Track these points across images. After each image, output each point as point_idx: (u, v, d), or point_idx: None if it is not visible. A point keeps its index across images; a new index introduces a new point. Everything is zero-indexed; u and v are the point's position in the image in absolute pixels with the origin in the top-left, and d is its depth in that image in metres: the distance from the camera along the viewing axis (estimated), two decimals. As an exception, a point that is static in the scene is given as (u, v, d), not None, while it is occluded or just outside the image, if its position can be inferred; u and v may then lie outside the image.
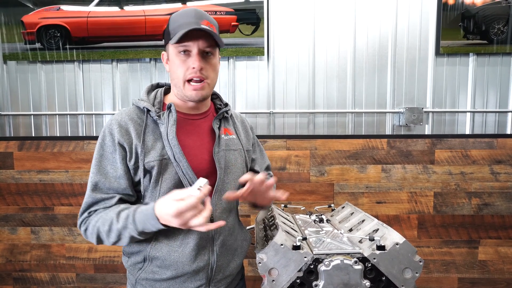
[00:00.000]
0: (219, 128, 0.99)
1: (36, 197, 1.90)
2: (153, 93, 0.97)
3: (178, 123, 0.92)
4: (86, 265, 1.92)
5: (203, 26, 0.85)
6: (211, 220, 0.93)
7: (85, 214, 0.88)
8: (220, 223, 0.79)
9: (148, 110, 0.90)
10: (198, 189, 0.74)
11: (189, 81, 0.89)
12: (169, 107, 0.91)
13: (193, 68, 0.87)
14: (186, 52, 0.88)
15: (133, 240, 0.85)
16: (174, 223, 0.75)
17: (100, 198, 0.88)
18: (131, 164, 0.88)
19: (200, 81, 0.89)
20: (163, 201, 0.78)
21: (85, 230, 0.88)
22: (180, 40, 0.84)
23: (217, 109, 1.05)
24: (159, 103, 0.94)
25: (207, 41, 0.87)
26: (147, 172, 0.88)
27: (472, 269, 1.87)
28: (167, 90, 1.02)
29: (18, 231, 1.93)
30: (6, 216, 1.92)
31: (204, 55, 0.89)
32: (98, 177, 0.88)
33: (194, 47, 0.87)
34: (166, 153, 0.88)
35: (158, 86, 1.03)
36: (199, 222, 0.74)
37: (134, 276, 0.94)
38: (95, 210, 0.88)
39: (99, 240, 0.87)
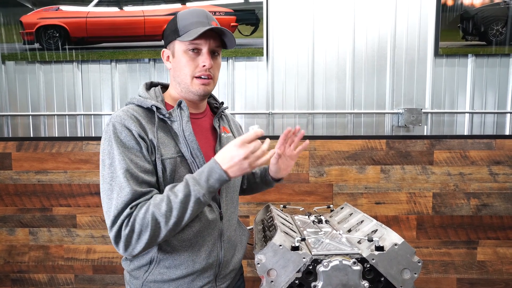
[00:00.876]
0: (218, 127, 1.00)
1: (35, 198, 1.89)
2: (152, 92, 0.96)
3: None
4: (84, 266, 1.92)
5: (219, 27, 0.87)
6: (220, 216, 0.94)
7: (127, 211, 0.75)
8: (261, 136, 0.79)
9: (158, 108, 0.89)
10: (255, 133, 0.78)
11: (197, 77, 0.90)
12: (179, 104, 0.90)
13: (204, 66, 0.88)
14: (196, 50, 0.89)
15: (197, 208, 0.78)
16: (244, 165, 0.77)
17: (140, 193, 0.77)
18: (152, 159, 0.84)
19: (208, 78, 0.91)
20: (225, 150, 0.79)
21: (130, 232, 0.75)
22: (194, 38, 0.85)
23: (213, 108, 1.06)
24: (162, 101, 0.93)
25: (216, 41, 0.90)
26: (163, 168, 0.85)
27: (470, 270, 1.87)
28: (162, 89, 1.01)
29: (16, 232, 1.92)
30: (4, 217, 1.91)
31: (212, 55, 0.91)
32: (131, 169, 0.78)
33: (205, 46, 0.88)
34: (180, 151, 0.88)
35: (152, 84, 1.02)
36: (265, 159, 0.78)
37: (140, 279, 0.91)
38: (136, 205, 0.77)
39: (154, 233, 0.75)
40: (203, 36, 0.86)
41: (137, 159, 0.80)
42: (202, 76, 0.89)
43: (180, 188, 0.77)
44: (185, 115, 0.89)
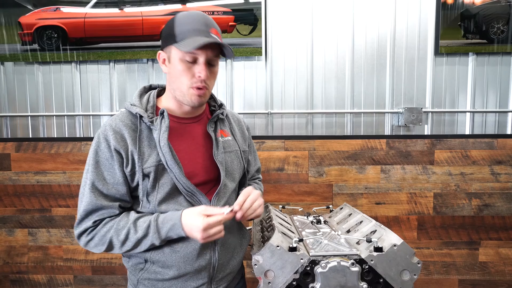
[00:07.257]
0: (215, 130, 0.99)
1: (34, 199, 1.89)
2: (145, 97, 0.96)
3: (171, 128, 0.92)
4: (83, 267, 1.91)
5: (215, 38, 0.86)
6: None
7: (89, 224, 0.87)
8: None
9: (141, 116, 0.90)
10: (225, 212, 0.83)
11: (192, 87, 0.89)
12: (162, 113, 0.90)
13: (199, 77, 0.88)
14: (193, 60, 0.87)
15: (151, 247, 0.88)
16: (198, 235, 0.81)
17: (100, 206, 0.87)
18: (127, 170, 0.88)
19: (203, 89, 0.90)
20: (191, 212, 0.84)
21: (89, 240, 0.88)
22: (190, 50, 0.84)
23: (211, 111, 1.04)
24: (152, 107, 0.93)
25: (214, 52, 0.88)
26: (145, 177, 0.88)
27: (472, 271, 1.85)
28: (160, 91, 1.01)
29: (15, 233, 1.92)
30: (3, 217, 1.91)
31: (208, 64, 0.90)
32: (96, 183, 0.87)
33: (202, 56, 0.87)
34: (161, 159, 0.89)
35: (150, 88, 1.02)
36: (219, 236, 0.83)
37: (136, 276, 0.95)
38: (100, 220, 0.88)
39: (108, 250, 0.88)
40: (201, 47, 0.84)
41: (106, 173, 0.88)
42: (198, 87, 0.89)
43: (142, 226, 0.86)
44: (164, 125, 0.89)
